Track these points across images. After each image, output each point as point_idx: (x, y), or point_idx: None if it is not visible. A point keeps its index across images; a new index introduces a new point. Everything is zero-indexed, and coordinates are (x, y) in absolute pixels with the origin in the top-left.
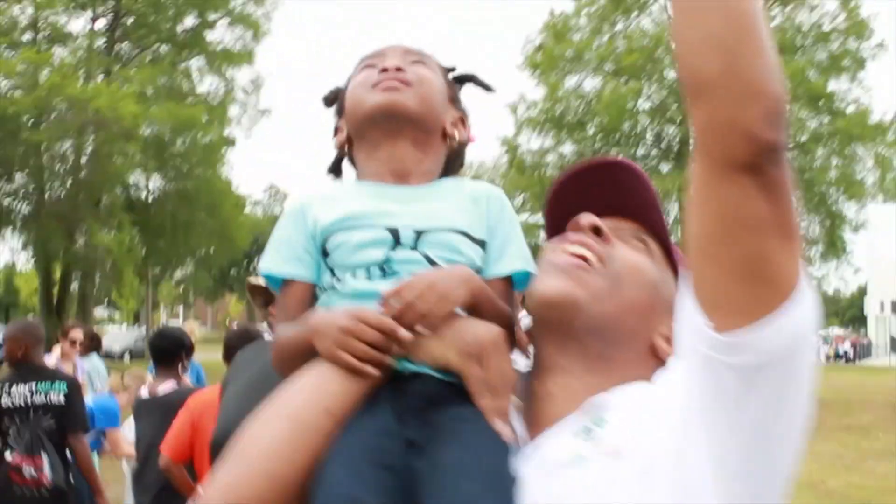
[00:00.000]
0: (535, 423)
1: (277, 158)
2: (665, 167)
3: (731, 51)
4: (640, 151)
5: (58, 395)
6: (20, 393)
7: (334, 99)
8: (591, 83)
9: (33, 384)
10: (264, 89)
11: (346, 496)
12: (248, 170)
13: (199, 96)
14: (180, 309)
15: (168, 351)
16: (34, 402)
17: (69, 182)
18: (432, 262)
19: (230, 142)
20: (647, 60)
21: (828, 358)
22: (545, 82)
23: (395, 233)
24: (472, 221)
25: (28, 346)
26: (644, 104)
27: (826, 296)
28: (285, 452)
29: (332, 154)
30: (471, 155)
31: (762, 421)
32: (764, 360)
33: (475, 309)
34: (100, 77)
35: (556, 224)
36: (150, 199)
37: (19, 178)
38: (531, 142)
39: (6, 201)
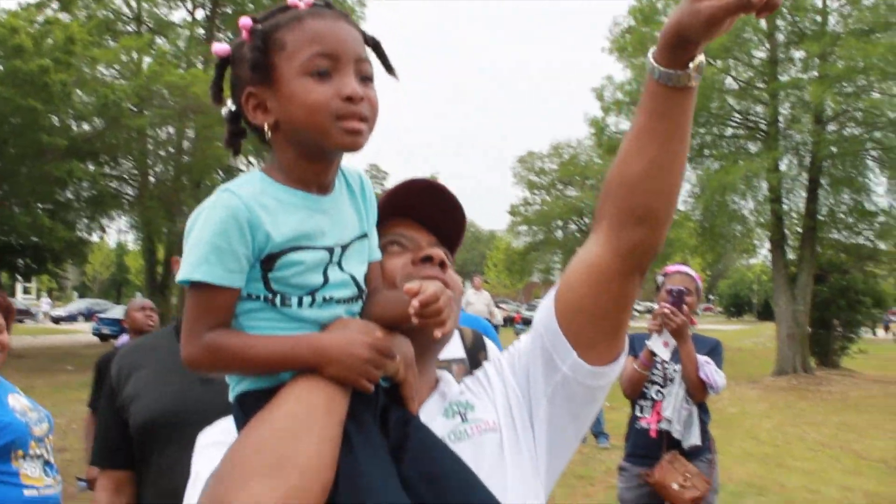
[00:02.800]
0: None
1: (375, 141)
2: (753, 147)
3: (675, 199)
4: (728, 131)
5: None
6: None
7: (260, 63)
8: None
9: None
10: None
11: None
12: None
13: None
14: None
15: None
16: None
17: (171, 166)
18: (355, 281)
19: None
20: (734, 41)
21: None
22: (632, 65)
23: (330, 251)
24: (361, 218)
25: None
26: (731, 84)
27: None
28: (318, 467)
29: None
30: (560, 133)
31: (584, 420)
32: (603, 385)
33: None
34: (200, 65)
35: (386, 210)
36: None
37: (125, 163)
38: (619, 124)
39: (113, 184)
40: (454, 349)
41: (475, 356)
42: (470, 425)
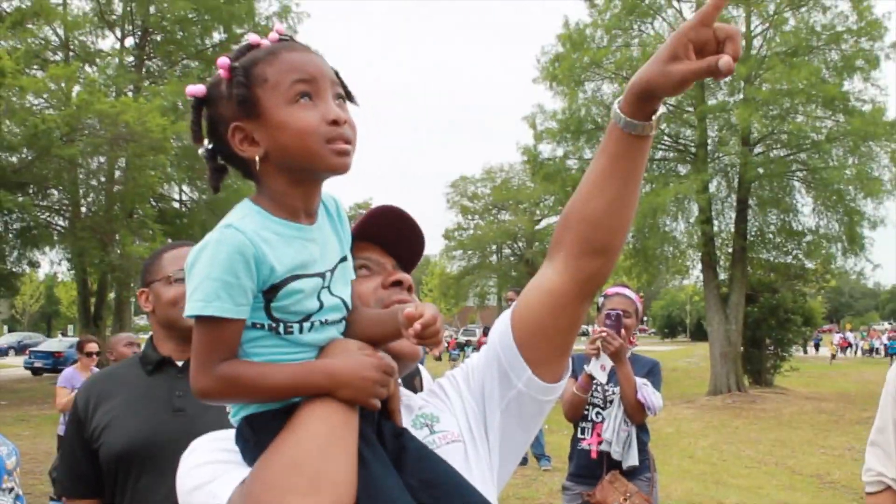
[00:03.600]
0: None
1: None
2: (683, 169)
3: (628, 232)
4: (658, 154)
5: None
6: None
7: (246, 98)
8: (610, 88)
9: None
10: None
11: None
12: None
13: None
14: None
15: None
16: None
17: (103, 195)
18: (344, 303)
19: None
20: None
21: (863, 352)
22: (563, 93)
23: (322, 277)
24: (341, 242)
25: None
26: (660, 108)
27: (865, 289)
28: (349, 482)
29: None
30: (492, 158)
31: (532, 430)
32: (551, 400)
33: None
34: (130, 93)
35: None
36: (182, 209)
37: (55, 193)
38: (553, 150)
39: (44, 216)
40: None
41: (410, 381)
42: (437, 436)
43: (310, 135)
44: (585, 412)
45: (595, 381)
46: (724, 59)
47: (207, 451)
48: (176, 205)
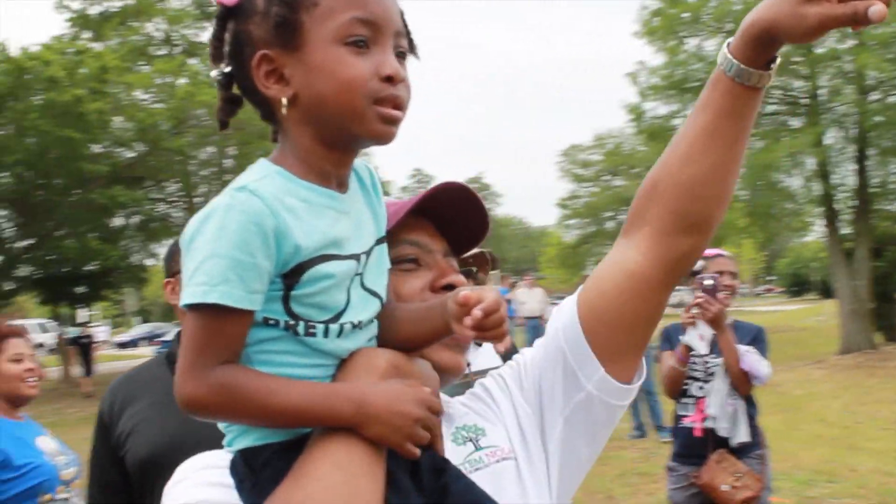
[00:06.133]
0: None
1: (420, 142)
2: (795, 123)
3: (728, 204)
4: (769, 108)
5: None
6: None
7: (286, 20)
8: (712, 44)
9: None
10: None
11: None
12: (393, 156)
13: None
14: None
15: None
16: None
17: (214, 185)
18: (378, 297)
19: None
20: None
21: None
22: (664, 49)
23: (358, 260)
24: (377, 219)
25: None
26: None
27: None
28: None
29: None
30: (602, 124)
31: (600, 443)
32: (625, 406)
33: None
34: None
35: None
36: None
37: (170, 186)
38: (657, 108)
39: (160, 208)
40: (489, 359)
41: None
42: (484, 452)
43: (356, 88)
44: (685, 387)
45: (693, 353)
46: (877, 7)
47: (194, 487)
48: None
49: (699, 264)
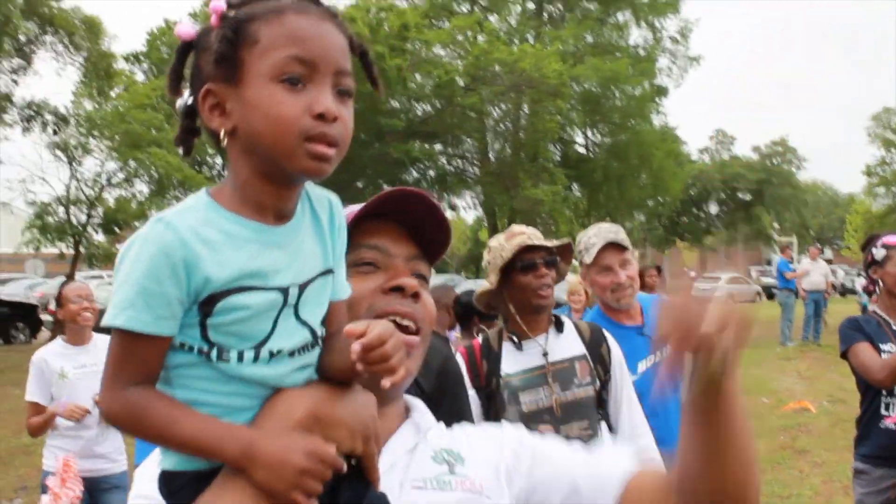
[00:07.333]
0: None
1: (723, 101)
2: None
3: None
4: None
5: None
6: None
7: (227, 57)
8: None
9: None
10: (693, 36)
11: None
12: (693, 116)
13: (626, 49)
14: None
15: (461, 315)
16: None
17: (507, 142)
18: (309, 328)
19: (661, 92)
20: None
21: None
22: None
23: (285, 293)
24: (326, 252)
25: None
26: None
27: None
28: None
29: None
30: None
31: None
32: None
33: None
34: (530, 40)
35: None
36: (587, 154)
37: (466, 141)
38: None
39: (455, 164)
40: (574, 346)
41: (596, 350)
42: (455, 478)
43: (285, 125)
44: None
45: None
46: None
47: (136, 498)
48: (580, 149)
49: (881, 254)
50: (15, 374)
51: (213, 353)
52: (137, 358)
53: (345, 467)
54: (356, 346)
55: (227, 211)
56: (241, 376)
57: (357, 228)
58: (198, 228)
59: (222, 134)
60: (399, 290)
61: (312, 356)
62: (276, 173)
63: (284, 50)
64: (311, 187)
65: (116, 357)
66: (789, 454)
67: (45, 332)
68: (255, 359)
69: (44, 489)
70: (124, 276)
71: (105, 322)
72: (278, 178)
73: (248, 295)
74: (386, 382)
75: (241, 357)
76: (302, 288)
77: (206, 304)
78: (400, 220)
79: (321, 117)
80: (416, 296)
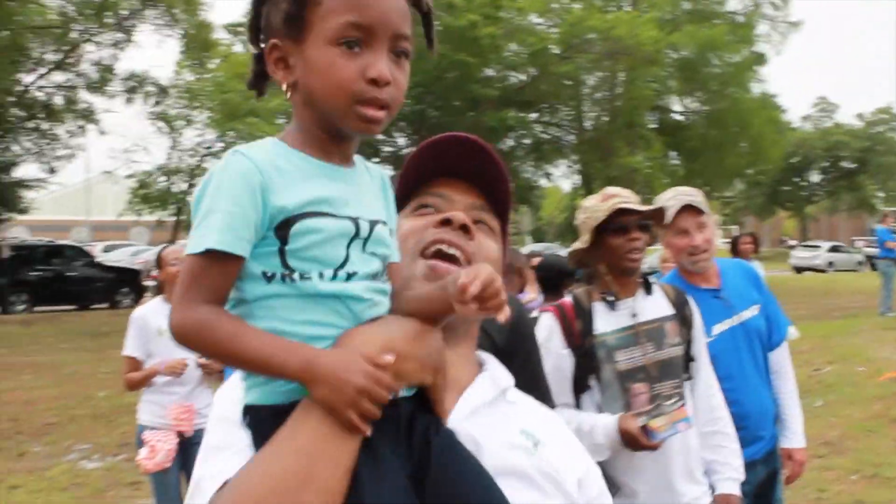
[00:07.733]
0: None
1: (825, 70)
2: None
3: None
4: None
5: None
6: None
7: (293, 15)
8: None
9: None
10: (794, 1)
11: None
12: (795, 83)
13: (723, 16)
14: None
15: (550, 279)
16: None
17: (604, 110)
18: (380, 258)
19: (760, 59)
20: None
21: None
22: None
23: (356, 223)
24: (386, 210)
25: None
26: None
27: None
28: None
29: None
30: None
31: None
32: None
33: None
34: (627, 8)
35: (413, 180)
36: (683, 121)
37: (562, 109)
38: None
39: (551, 131)
40: (663, 307)
41: (682, 311)
42: (536, 458)
43: (338, 88)
44: None
45: None
46: None
47: (220, 417)
48: (676, 117)
49: None
50: (119, 338)
51: (296, 275)
52: (211, 278)
53: (402, 391)
54: (473, 289)
55: (294, 149)
56: (323, 293)
57: (426, 184)
58: (272, 159)
59: (285, 87)
60: (447, 222)
61: (387, 286)
62: (331, 128)
63: (344, 15)
64: (367, 163)
65: (191, 276)
66: (884, 423)
67: (148, 298)
68: (334, 277)
69: (140, 443)
70: (208, 205)
71: (192, 249)
72: (334, 132)
73: (321, 220)
74: (501, 317)
75: (321, 276)
76: (372, 224)
77: (282, 229)
78: (471, 181)
79: (374, 82)
80: (467, 231)
